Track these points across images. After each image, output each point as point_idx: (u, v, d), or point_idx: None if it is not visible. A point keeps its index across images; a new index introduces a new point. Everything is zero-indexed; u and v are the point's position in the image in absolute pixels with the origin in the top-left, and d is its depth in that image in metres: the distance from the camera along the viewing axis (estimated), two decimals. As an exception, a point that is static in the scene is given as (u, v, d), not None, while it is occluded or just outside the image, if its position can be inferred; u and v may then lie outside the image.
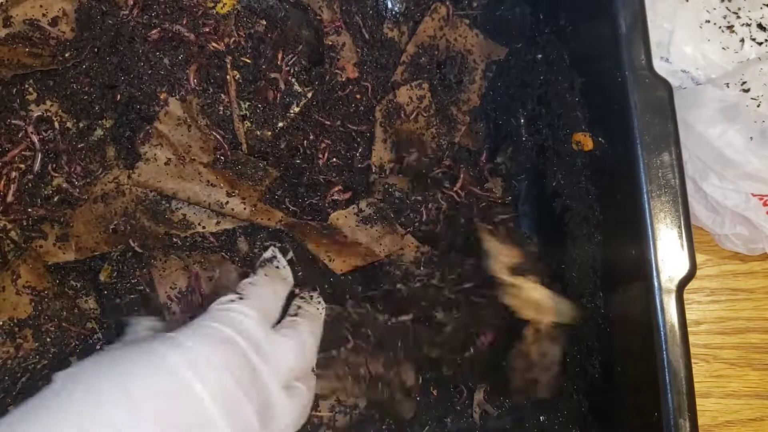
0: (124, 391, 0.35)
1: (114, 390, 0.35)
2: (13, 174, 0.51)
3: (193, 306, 0.53)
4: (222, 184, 0.52)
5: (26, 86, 0.52)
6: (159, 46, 0.53)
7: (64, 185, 0.52)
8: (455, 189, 0.61)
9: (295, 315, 0.49)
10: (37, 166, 0.51)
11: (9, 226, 0.51)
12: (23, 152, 0.51)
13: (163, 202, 0.52)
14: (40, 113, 0.52)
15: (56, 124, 0.53)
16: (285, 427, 0.42)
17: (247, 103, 0.55)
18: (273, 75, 0.56)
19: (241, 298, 0.44)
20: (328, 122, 0.58)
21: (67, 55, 0.52)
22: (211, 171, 0.53)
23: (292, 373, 0.44)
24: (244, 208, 0.53)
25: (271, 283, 0.49)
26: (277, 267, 0.52)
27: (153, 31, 0.53)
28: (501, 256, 0.58)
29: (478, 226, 0.60)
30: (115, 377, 0.36)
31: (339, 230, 0.55)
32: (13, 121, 0.51)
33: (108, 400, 0.34)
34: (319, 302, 0.52)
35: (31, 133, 0.51)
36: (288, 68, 0.56)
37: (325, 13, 0.59)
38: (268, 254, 0.53)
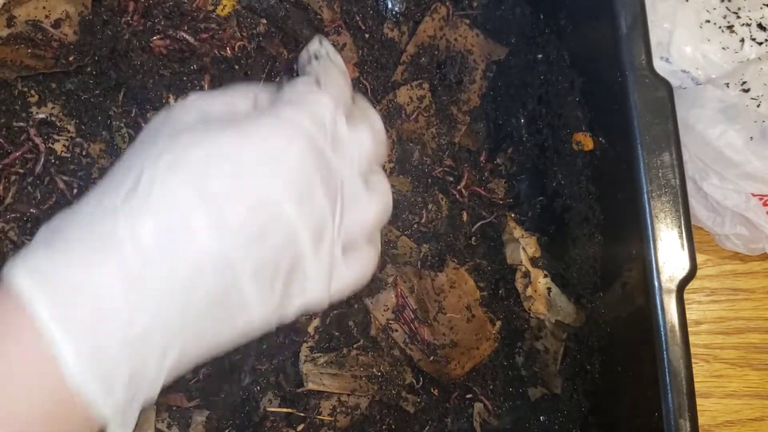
0: (197, 191, 0.31)
1: (187, 192, 0.31)
2: (13, 177, 0.51)
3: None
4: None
5: (27, 89, 0.52)
6: (169, 55, 0.53)
7: (63, 187, 0.52)
8: (459, 188, 0.61)
9: (356, 103, 0.43)
10: (38, 169, 0.51)
11: (7, 227, 0.51)
12: (25, 155, 0.51)
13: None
14: (43, 116, 0.52)
15: (58, 127, 0.52)
16: (363, 220, 0.39)
17: None
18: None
19: (320, 87, 0.39)
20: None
21: (71, 58, 0.52)
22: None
23: (369, 164, 0.40)
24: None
25: (338, 66, 0.43)
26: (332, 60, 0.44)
27: (155, 38, 0.53)
28: (527, 246, 0.59)
29: (506, 215, 0.62)
30: (187, 178, 0.32)
31: None
32: (15, 124, 0.51)
33: (181, 200, 0.31)
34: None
35: (35, 135, 0.51)
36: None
37: (326, 13, 0.59)
38: (315, 45, 0.44)
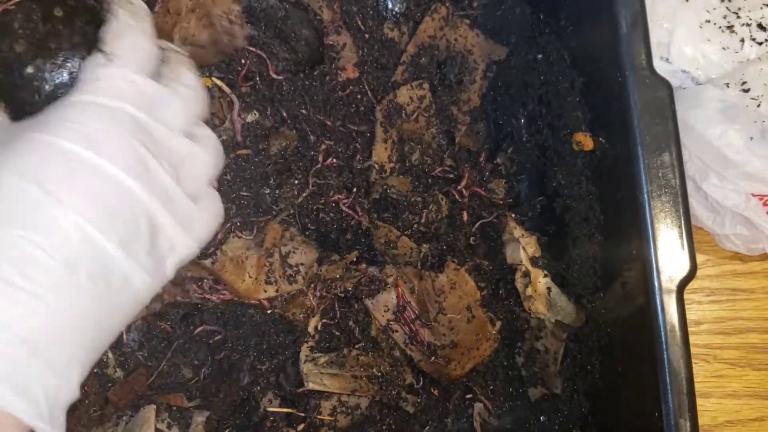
0: (40, 187, 0.33)
1: (29, 189, 0.33)
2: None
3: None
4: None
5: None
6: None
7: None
8: (459, 188, 0.61)
9: (167, 62, 0.43)
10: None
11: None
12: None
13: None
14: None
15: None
16: (199, 170, 0.41)
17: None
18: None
19: (110, 60, 0.38)
20: (328, 122, 0.58)
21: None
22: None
23: (188, 120, 0.41)
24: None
25: (137, 23, 0.41)
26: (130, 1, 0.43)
27: None
28: (527, 246, 0.59)
29: (506, 215, 0.62)
30: (22, 175, 0.34)
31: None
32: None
33: (26, 201, 0.33)
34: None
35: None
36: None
37: (325, 13, 0.59)
38: None
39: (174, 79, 0.42)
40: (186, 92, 0.42)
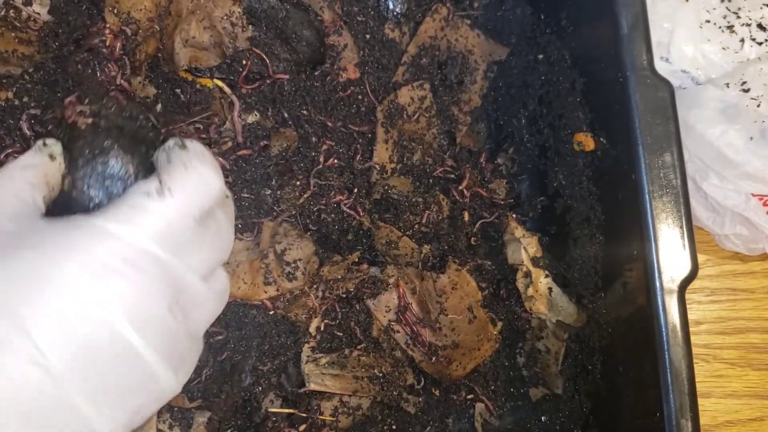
0: (10, 321, 0.28)
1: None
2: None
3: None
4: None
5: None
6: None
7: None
8: (460, 188, 0.61)
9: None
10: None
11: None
12: (15, 153, 0.51)
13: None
14: (35, 112, 0.51)
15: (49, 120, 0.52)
16: (206, 316, 0.37)
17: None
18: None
19: (163, 194, 0.34)
20: (329, 123, 0.58)
21: (55, 44, 0.51)
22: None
23: (212, 265, 0.37)
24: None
25: (201, 165, 0.36)
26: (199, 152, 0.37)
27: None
28: (528, 246, 0.59)
29: (507, 215, 0.62)
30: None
31: None
32: (6, 120, 0.50)
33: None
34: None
35: (27, 129, 0.51)
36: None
37: (326, 14, 0.59)
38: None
39: (210, 217, 0.37)
40: (217, 237, 0.37)
